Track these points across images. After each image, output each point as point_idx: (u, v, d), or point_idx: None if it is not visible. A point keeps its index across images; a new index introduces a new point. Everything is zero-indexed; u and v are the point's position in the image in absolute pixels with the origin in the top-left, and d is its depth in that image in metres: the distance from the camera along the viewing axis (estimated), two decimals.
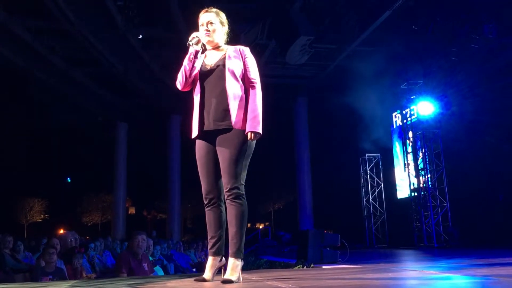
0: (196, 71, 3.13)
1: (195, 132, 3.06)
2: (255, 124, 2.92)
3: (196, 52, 3.11)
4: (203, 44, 3.19)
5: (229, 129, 2.94)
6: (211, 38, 3.14)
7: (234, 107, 2.95)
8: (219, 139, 2.98)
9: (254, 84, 3.06)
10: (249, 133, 2.91)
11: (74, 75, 16.48)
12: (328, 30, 13.36)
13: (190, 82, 3.16)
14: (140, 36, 13.66)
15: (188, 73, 3.11)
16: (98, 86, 17.73)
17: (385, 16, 11.76)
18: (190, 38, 3.11)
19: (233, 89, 2.98)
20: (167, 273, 6.99)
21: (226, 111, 2.96)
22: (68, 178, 36.97)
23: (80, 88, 17.62)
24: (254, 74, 3.09)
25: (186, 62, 3.10)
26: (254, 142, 3.01)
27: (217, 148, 2.99)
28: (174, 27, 12.52)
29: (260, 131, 2.93)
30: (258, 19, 13.13)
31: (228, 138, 2.93)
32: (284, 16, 12.24)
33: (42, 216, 36.04)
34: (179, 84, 3.16)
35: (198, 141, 3.10)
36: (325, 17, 13.03)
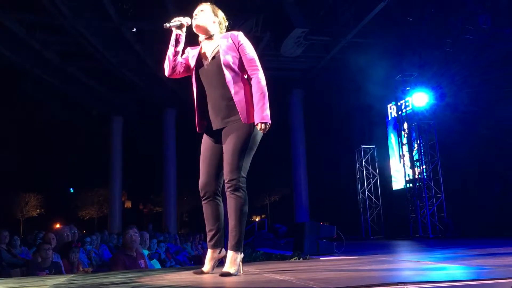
0: (192, 64, 3.07)
1: (200, 128, 3.04)
2: (264, 115, 2.84)
3: (178, 36, 3.04)
4: (197, 36, 3.14)
5: (236, 121, 2.90)
6: (200, 22, 3.05)
7: (238, 102, 2.88)
8: (224, 131, 2.94)
9: (255, 70, 2.96)
10: (259, 124, 2.85)
11: (68, 69, 16.40)
12: (323, 22, 13.34)
13: (179, 71, 3.10)
14: (134, 29, 13.58)
15: (171, 59, 3.06)
16: (92, 80, 17.65)
17: (380, 7, 11.75)
18: (171, 21, 3.03)
19: (233, 82, 2.90)
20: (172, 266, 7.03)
21: (231, 106, 2.90)
22: (66, 179, 36.82)
23: (74, 82, 17.54)
24: (253, 59, 2.98)
25: (169, 49, 3.04)
26: (259, 136, 2.95)
27: (222, 140, 2.95)
28: (168, 20, 12.45)
29: (269, 121, 2.86)
30: (253, 12, 13.08)
31: (233, 130, 2.89)
32: (278, 8, 12.21)
33: (38, 210, 35.95)
34: (166, 71, 3.11)
35: (205, 134, 3.07)
36: (320, 9, 13.01)
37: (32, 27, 13.71)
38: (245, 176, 2.89)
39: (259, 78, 2.94)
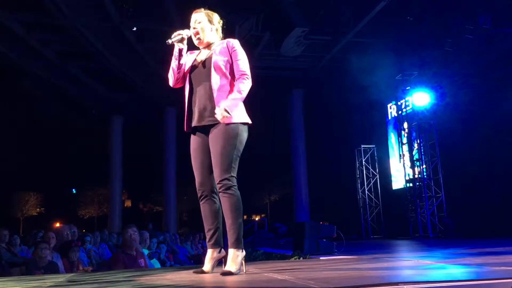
0: (187, 67, 3.16)
1: (186, 127, 3.13)
2: (231, 104, 2.86)
3: (180, 50, 3.11)
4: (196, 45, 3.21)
5: (220, 123, 2.95)
6: (201, 36, 3.14)
7: (219, 103, 2.93)
8: (211, 133, 3.00)
9: (244, 77, 3.02)
10: (221, 108, 2.82)
11: (68, 69, 16.39)
12: (323, 21, 13.33)
13: (182, 79, 3.19)
14: (134, 29, 13.58)
15: (175, 72, 3.14)
16: (92, 79, 17.64)
17: (380, 7, 11.74)
18: (172, 36, 3.10)
19: (219, 83, 2.98)
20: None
21: (213, 106, 2.96)
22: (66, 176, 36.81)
23: (74, 82, 17.54)
24: (243, 66, 3.05)
25: (172, 62, 3.12)
26: (245, 135, 3.02)
27: (209, 142, 3.01)
28: (168, 20, 12.44)
29: (231, 111, 2.85)
30: (253, 11, 13.07)
31: (219, 132, 2.95)
32: (278, 7, 12.20)
33: (38, 209, 35.94)
34: (170, 82, 3.20)
35: (192, 135, 3.14)
36: (320, 9, 13.00)
37: (32, 27, 13.70)
38: (235, 175, 2.96)
39: (245, 82, 3.01)
